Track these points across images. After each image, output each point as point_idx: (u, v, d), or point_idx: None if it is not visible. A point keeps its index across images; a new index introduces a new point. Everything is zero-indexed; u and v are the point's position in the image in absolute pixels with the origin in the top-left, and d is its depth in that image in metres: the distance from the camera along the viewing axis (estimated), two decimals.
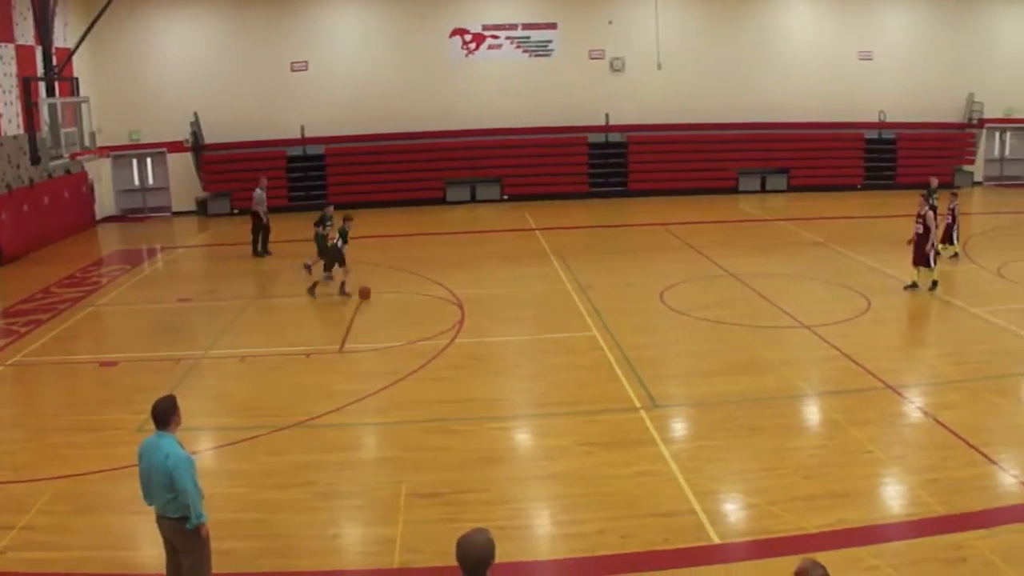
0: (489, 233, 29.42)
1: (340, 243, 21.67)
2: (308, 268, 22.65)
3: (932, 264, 21.47)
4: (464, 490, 11.41)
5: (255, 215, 27.26)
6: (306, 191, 35.19)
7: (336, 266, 22.03)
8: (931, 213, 21.46)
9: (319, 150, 35.74)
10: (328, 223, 22.46)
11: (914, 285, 21.63)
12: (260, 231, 27.40)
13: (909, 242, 21.71)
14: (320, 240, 22.38)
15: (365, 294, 21.41)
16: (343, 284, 21.84)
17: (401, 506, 11.00)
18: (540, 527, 10.88)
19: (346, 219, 21.93)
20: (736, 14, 38.14)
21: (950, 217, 24.56)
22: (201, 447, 12.77)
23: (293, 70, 35.41)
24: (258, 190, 27.29)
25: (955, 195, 25.17)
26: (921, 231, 21.35)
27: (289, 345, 17.74)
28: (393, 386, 15.33)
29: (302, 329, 19.20)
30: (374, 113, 35.60)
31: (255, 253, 27.27)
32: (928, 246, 21.31)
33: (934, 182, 26.44)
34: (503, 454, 12.76)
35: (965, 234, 25.61)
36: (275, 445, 12.92)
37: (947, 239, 24.56)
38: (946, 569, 9.59)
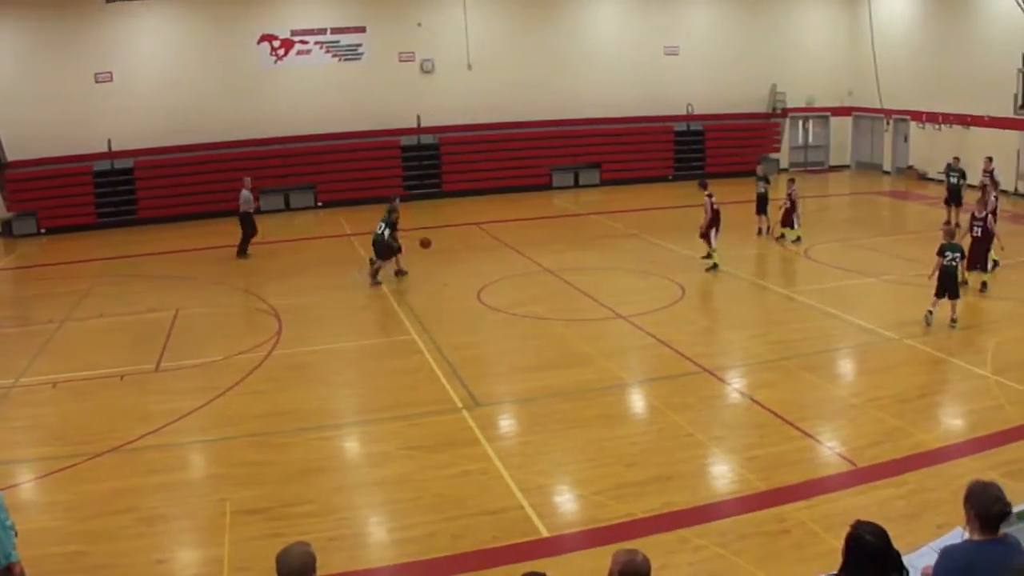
0: (304, 241, 29.12)
1: (386, 233, 22.47)
2: (425, 242, 23.38)
3: (711, 245, 23.04)
4: (289, 503, 11.33)
5: (245, 216, 26.88)
6: (115, 207, 34.05)
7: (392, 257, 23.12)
8: (709, 199, 22.87)
9: (128, 164, 34.45)
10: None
11: (715, 266, 23.01)
12: (251, 231, 27.04)
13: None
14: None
15: (426, 244, 23.09)
16: (398, 268, 23.35)
17: (227, 525, 10.87)
18: (369, 535, 10.93)
19: (391, 211, 22.96)
20: (544, 13, 38.66)
21: (788, 202, 25.71)
22: (15, 480, 12.33)
23: (97, 81, 34.06)
24: (244, 191, 26.93)
25: (792, 181, 26.62)
26: (710, 215, 22.77)
27: (103, 367, 17.16)
28: (212, 402, 15.08)
29: (116, 350, 18.49)
30: (184, 124, 34.54)
31: (242, 254, 27.06)
32: (706, 228, 22.94)
33: (760, 170, 27.64)
34: (327, 464, 12.72)
35: (772, 218, 26.78)
36: (93, 473, 12.53)
37: (787, 223, 25.80)
38: (771, 541, 10.08)
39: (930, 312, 17.74)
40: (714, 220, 22.86)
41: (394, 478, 12.11)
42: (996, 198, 21.95)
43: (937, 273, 17.66)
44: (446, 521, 10.78)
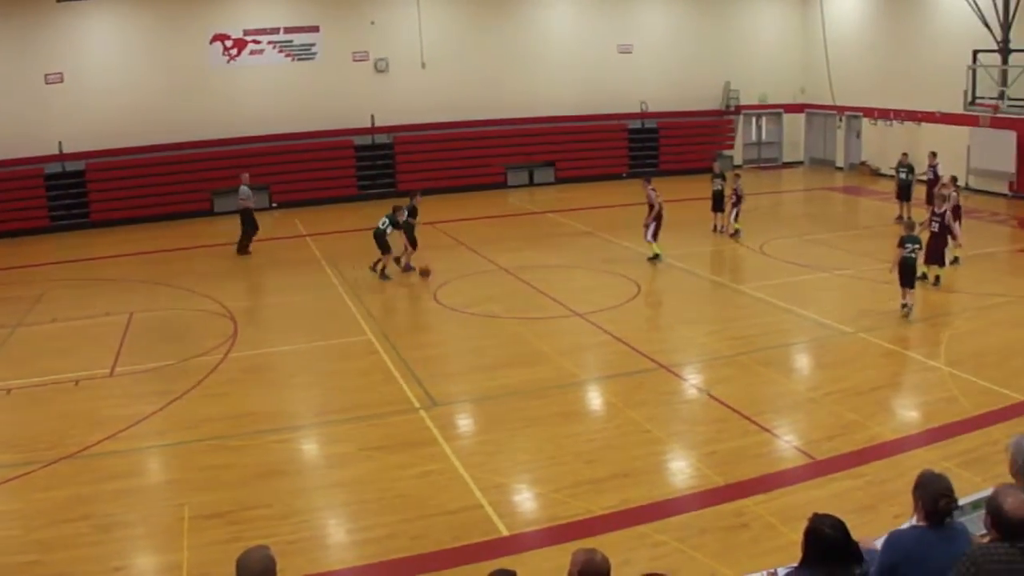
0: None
1: (388, 229, 22.77)
2: (424, 271, 23.27)
3: (652, 239, 23.48)
4: (248, 507, 11.26)
5: (245, 212, 26.93)
6: (67, 210, 33.61)
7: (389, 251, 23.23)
8: (652, 194, 23.27)
9: (80, 166, 33.98)
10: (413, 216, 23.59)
11: (656, 256, 23.44)
12: (252, 228, 27.05)
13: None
14: (408, 229, 23.45)
15: (426, 273, 22.86)
16: (382, 265, 23.26)
17: (185, 530, 10.78)
18: (328, 537, 10.89)
19: (396, 209, 23.21)
20: (498, 11, 38.67)
21: (734, 197, 25.93)
22: None
23: (48, 83, 33.54)
24: (243, 187, 27.00)
25: (738, 176, 26.79)
26: (657, 209, 23.25)
27: (57, 373, 16.92)
28: (168, 406, 14.93)
29: (70, 355, 18.22)
30: (137, 125, 34.09)
31: (243, 251, 27.15)
32: (649, 219, 23.35)
33: (717, 167, 27.86)
34: (285, 467, 12.64)
35: (726, 215, 26.85)
36: (48, 480, 12.37)
37: (734, 218, 26.09)
38: (730, 535, 10.16)
39: (904, 305, 17.98)
40: (658, 215, 23.04)
41: (353, 479, 12.08)
42: (956, 194, 22.22)
43: (898, 265, 17.87)
44: (406, 522, 10.76)
